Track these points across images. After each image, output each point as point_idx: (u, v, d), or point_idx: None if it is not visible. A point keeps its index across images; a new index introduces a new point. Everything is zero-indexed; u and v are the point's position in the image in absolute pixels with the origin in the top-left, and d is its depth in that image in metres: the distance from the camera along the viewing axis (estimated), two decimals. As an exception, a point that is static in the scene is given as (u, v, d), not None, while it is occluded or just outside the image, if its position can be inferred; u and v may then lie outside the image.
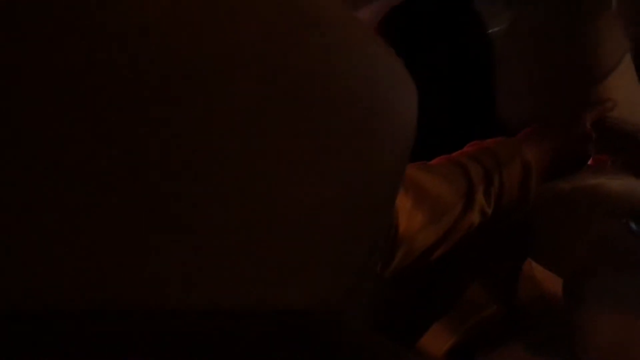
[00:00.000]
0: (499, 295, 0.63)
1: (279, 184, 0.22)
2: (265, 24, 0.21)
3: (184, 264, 0.19)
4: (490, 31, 0.93)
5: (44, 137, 0.16)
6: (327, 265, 0.25)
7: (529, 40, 0.72)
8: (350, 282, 0.27)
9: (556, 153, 0.66)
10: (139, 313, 0.18)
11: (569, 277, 0.37)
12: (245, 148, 0.20)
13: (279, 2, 0.21)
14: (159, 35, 0.17)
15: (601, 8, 0.71)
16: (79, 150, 0.16)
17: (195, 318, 0.20)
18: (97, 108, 0.16)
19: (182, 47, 0.18)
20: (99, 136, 0.16)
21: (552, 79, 0.69)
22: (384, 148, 0.28)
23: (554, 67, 0.69)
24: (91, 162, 0.16)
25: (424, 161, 0.61)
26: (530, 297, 0.56)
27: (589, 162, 0.73)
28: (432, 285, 0.68)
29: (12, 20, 0.15)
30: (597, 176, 0.72)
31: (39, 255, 0.16)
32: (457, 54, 0.83)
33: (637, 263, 0.31)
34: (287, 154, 0.22)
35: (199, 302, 0.20)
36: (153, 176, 0.18)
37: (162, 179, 0.18)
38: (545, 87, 0.70)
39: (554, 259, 0.55)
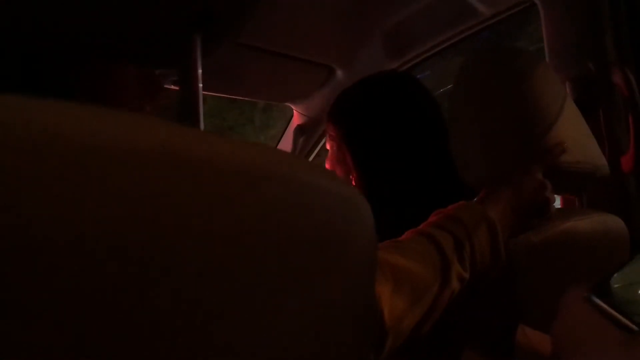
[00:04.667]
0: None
1: (249, 334, 0.23)
2: (217, 183, 0.22)
3: None
4: (436, 93, 0.96)
5: None
6: None
7: (471, 102, 0.74)
8: None
9: (515, 206, 0.68)
10: None
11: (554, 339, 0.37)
12: (212, 301, 0.22)
13: (230, 159, 0.23)
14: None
15: (535, 63, 0.74)
16: None
17: None
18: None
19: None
20: None
21: (500, 137, 0.71)
22: (348, 273, 0.28)
23: (500, 125, 0.71)
24: None
25: (394, 239, 0.61)
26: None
27: (560, 205, 0.74)
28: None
29: None
30: (566, 219, 0.73)
31: None
32: (409, 124, 0.86)
33: (600, 339, 0.31)
34: (253, 299, 0.23)
35: None
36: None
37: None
38: (495, 145, 0.71)
39: (541, 318, 0.54)
